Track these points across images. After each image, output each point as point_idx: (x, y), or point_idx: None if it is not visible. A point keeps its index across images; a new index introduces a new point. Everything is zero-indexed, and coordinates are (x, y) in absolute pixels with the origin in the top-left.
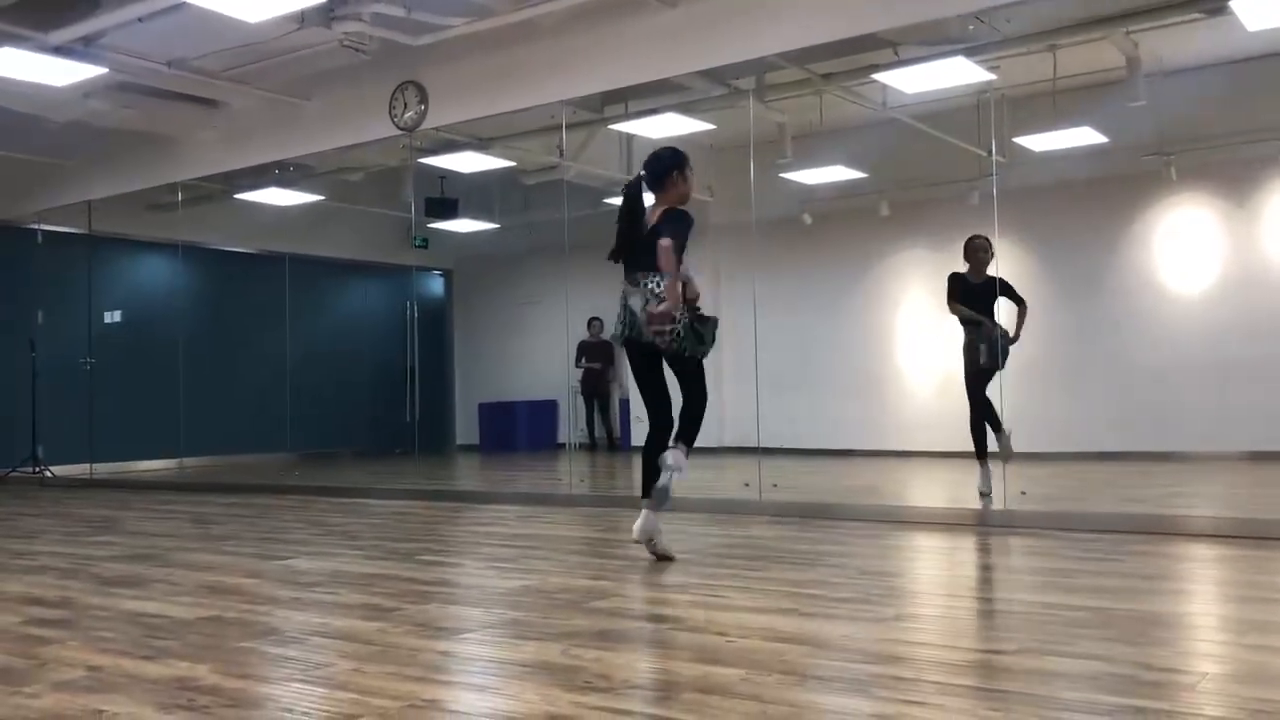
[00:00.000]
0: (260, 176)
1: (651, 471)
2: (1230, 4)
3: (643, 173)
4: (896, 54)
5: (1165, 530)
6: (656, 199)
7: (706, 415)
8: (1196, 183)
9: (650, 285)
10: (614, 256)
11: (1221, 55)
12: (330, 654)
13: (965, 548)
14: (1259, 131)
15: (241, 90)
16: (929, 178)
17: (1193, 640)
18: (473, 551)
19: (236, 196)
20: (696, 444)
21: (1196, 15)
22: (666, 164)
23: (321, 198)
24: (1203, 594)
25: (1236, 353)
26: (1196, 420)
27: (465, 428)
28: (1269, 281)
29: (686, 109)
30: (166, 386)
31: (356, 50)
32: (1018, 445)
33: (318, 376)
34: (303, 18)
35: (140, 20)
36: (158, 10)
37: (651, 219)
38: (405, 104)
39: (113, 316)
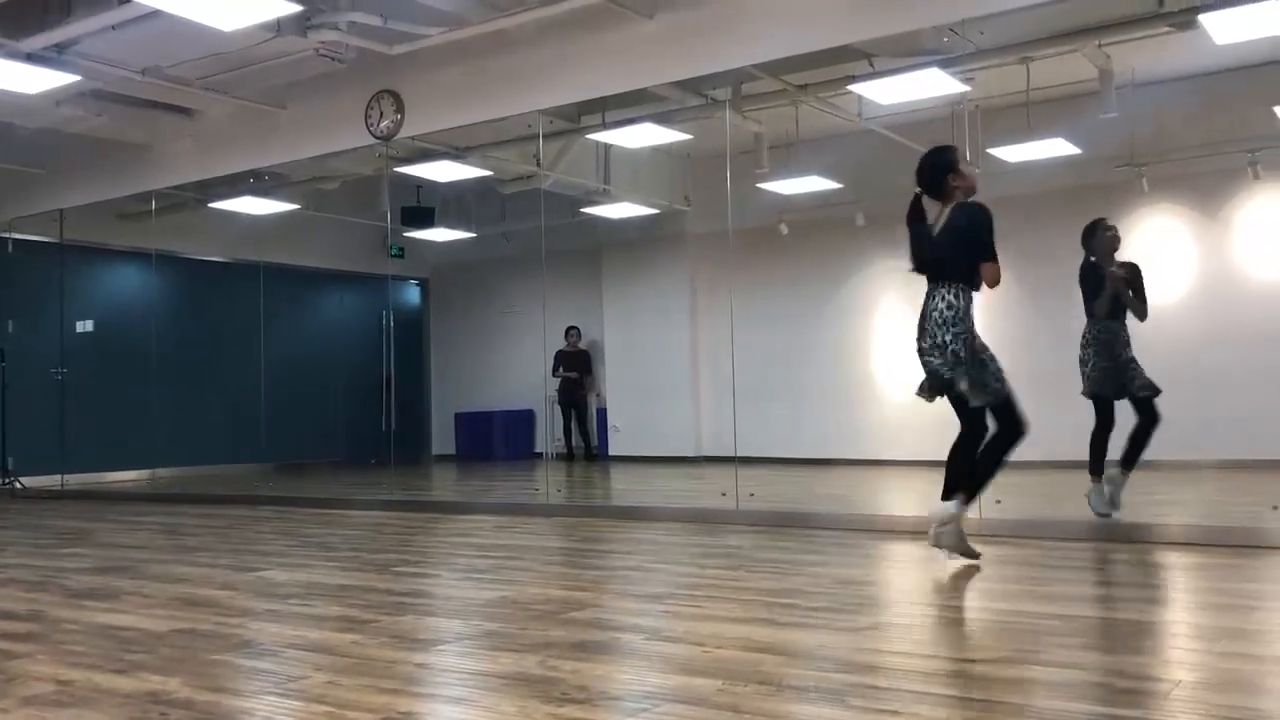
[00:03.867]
0: (235, 185)
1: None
2: (1199, 18)
3: (918, 189)
4: (872, 65)
5: (1140, 539)
6: (944, 207)
7: (687, 424)
8: (1168, 194)
9: (940, 301)
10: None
11: (1191, 68)
12: (305, 667)
13: (940, 556)
14: (1229, 143)
15: (216, 98)
16: (904, 188)
17: (1167, 648)
18: (449, 562)
19: (211, 205)
20: (675, 452)
21: (1166, 29)
22: (939, 168)
23: (297, 206)
24: (1177, 602)
25: (1209, 362)
26: (1170, 429)
27: (441, 437)
28: (1239, 291)
29: (663, 119)
30: (139, 397)
31: (332, 59)
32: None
33: (293, 386)
34: (278, 26)
35: (114, 28)
36: (131, 18)
37: (943, 229)
38: (381, 113)
39: (85, 326)
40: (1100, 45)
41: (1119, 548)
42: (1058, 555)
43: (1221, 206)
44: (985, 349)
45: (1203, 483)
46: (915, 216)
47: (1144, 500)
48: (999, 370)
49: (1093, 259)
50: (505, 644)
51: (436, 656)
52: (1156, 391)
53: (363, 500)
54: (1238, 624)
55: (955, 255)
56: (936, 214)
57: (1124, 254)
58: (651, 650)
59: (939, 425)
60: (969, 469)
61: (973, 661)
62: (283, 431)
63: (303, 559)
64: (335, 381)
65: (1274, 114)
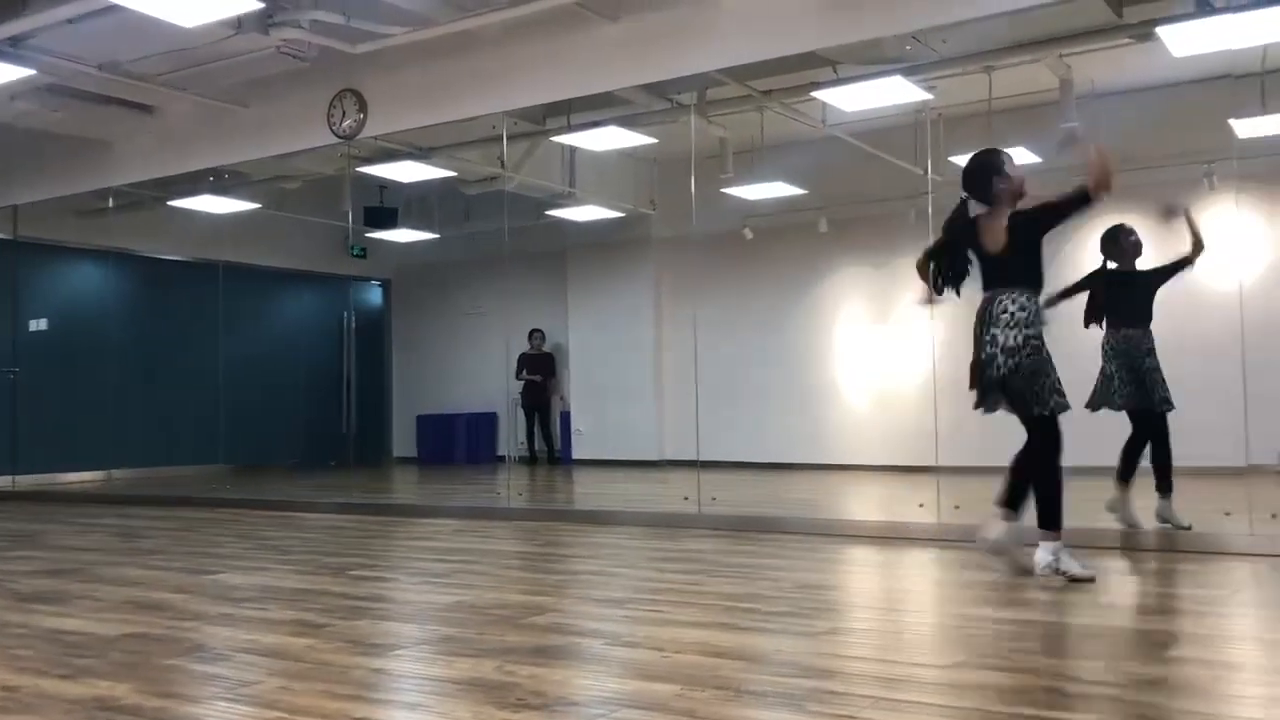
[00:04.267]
0: (195, 183)
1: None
2: (1157, 30)
3: (964, 194)
4: (836, 72)
5: (1097, 544)
6: (993, 211)
7: (651, 428)
8: (1128, 203)
9: (1011, 304)
10: (938, 289)
11: (1150, 80)
12: (258, 671)
13: (901, 562)
14: (1186, 154)
15: (176, 95)
16: (867, 195)
17: (1120, 653)
18: (407, 566)
19: (170, 203)
20: (639, 456)
21: (1126, 40)
22: (986, 170)
23: (258, 206)
24: (1130, 607)
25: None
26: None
27: (402, 440)
28: (1194, 301)
29: (629, 122)
30: (94, 397)
31: (295, 57)
32: (953, 459)
33: (252, 387)
34: (240, 23)
35: (70, 21)
36: (89, 12)
37: (998, 234)
38: (344, 112)
39: (38, 324)
40: (1061, 55)
41: (1077, 553)
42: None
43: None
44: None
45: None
46: (960, 221)
47: (1095, 505)
48: (1058, 381)
49: (1111, 265)
50: (462, 649)
51: (392, 662)
52: (1171, 406)
53: (321, 503)
54: (1192, 629)
55: (1019, 261)
56: (983, 216)
57: (1080, 263)
58: (610, 655)
59: (901, 430)
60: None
61: (930, 666)
62: (241, 433)
63: (259, 562)
64: (295, 383)
65: (1229, 126)
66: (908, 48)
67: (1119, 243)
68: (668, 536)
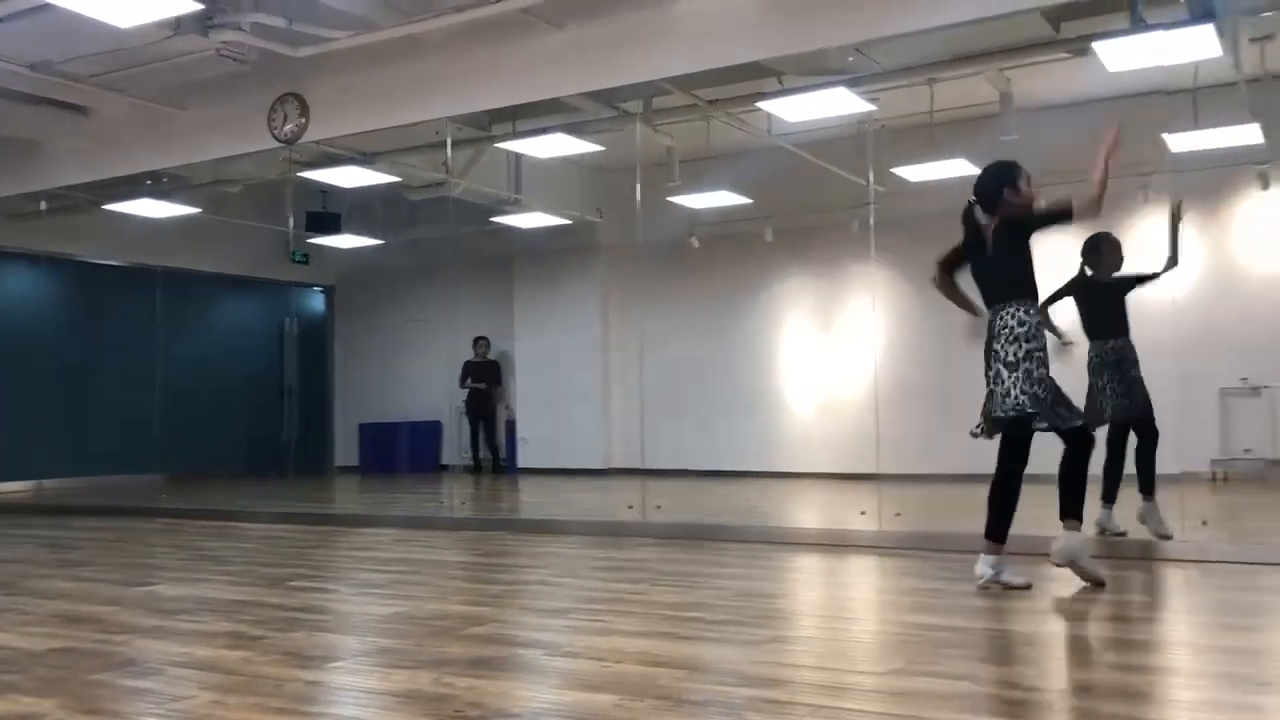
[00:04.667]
0: (132, 187)
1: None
2: (1093, 46)
3: (973, 198)
4: (780, 83)
5: (1035, 550)
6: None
7: (597, 436)
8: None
9: (1011, 319)
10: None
11: (1087, 94)
12: (190, 685)
13: (842, 569)
14: (1123, 167)
15: (112, 97)
16: (812, 205)
17: (1057, 659)
18: (346, 577)
19: (105, 207)
20: (584, 465)
21: (1063, 55)
22: (998, 178)
23: (197, 210)
24: (1069, 613)
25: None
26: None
27: (345, 449)
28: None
29: (575, 130)
30: (25, 404)
31: (235, 60)
32: (894, 466)
33: (190, 395)
34: (178, 25)
35: (0, 20)
36: (20, 10)
37: (989, 242)
38: (285, 116)
39: None
40: (1001, 69)
41: (1016, 560)
42: (956, 568)
43: (1113, 228)
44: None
45: (1094, 495)
46: (966, 227)
47: (1038, 513)
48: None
49: (1090, 273)
50: (400, 661)
51: (328, 674)
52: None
53: (260, 512)
54: (1125, 634)
55: (1011, 271)
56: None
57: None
58: (550, 666)
59: (844, 438)
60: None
61: (870, 674)
62: (179, 441)
63: (194, 573)
64: (235, 390)
65: (1163, 141)
66: (851, 60)
67: (1100, 251)
68: (612, 545)
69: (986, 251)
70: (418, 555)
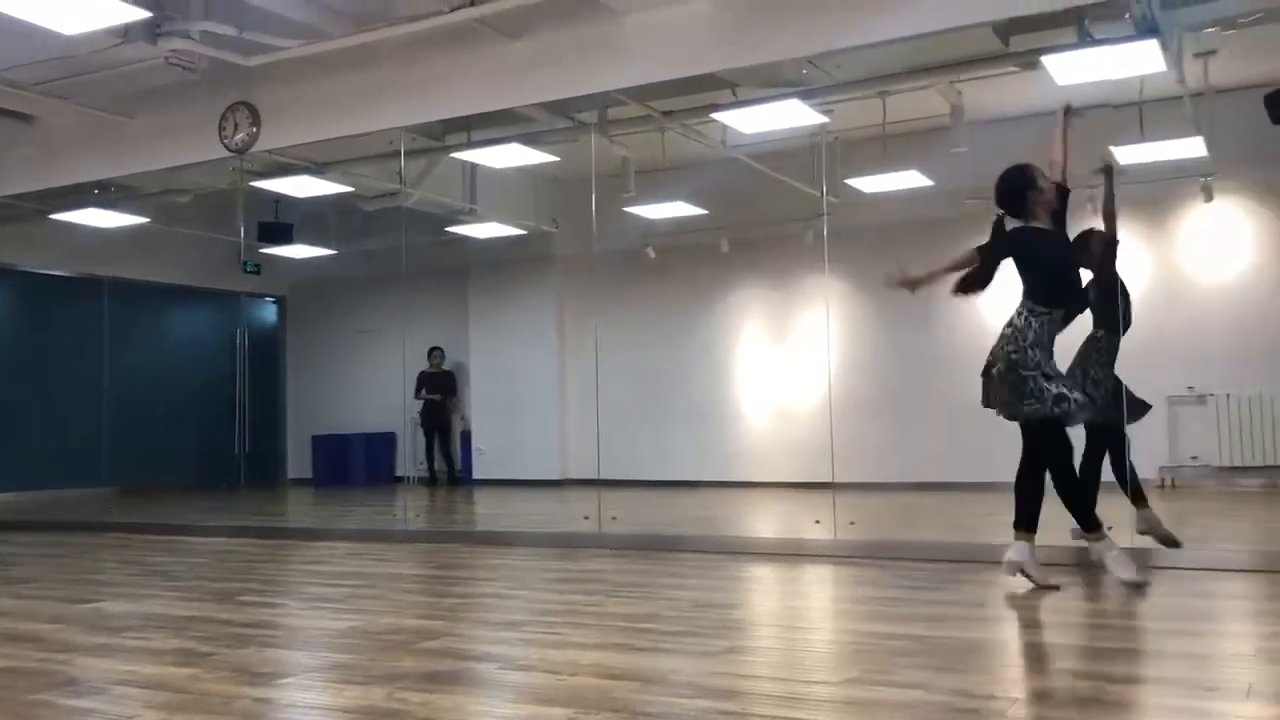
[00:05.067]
0: (79, 196)
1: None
2: (1042, 59)
3: (999, 211)
4: (735, 94)
5: (987, 559)
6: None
7: (553, 447)
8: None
9: (1013, 317)
10: (961, 288)
11: (1036, 106)
12: (135, 705)
13: (798, 578)
14: (1071, 179)
15: (58, 105)
16: (767, 216)
17: (1009, 666)
18: (298, 591)
19: (52, 216)
20: (540, 476)
21: (1013, 69)
22: (1014, 186)
23: (147, 220)
24: (1020, 621)
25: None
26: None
27: (298, 461)
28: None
29: (530, 140)
30: None
31: (184, 68)
32: (848, 475)
33: (140, 407)
34: (126, 32)
35: None
36: None
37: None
38: (236, 125)
39: None
40: (952, 82)
41: (966, 568)
42: (911, 576)
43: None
44: (1038, 367)
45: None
46: (997, 239)
47: (989, 521)
48: (1049, 389)
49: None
50: (352, 676)
51: (278, 691)
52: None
53: (211, 527)
54: (1077, 641)
55: (1023, 275)
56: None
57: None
58: (504, 680)
59: (799, 447)
60: (1081, 488)
61: (825, 684)
62: (128, 454)
63: (142, 589)
64: (186, 402)
65: (1110, 153)
66: (804, 72)
67: (1089, 249)
68: (568, 557)
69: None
70: (371, 569)
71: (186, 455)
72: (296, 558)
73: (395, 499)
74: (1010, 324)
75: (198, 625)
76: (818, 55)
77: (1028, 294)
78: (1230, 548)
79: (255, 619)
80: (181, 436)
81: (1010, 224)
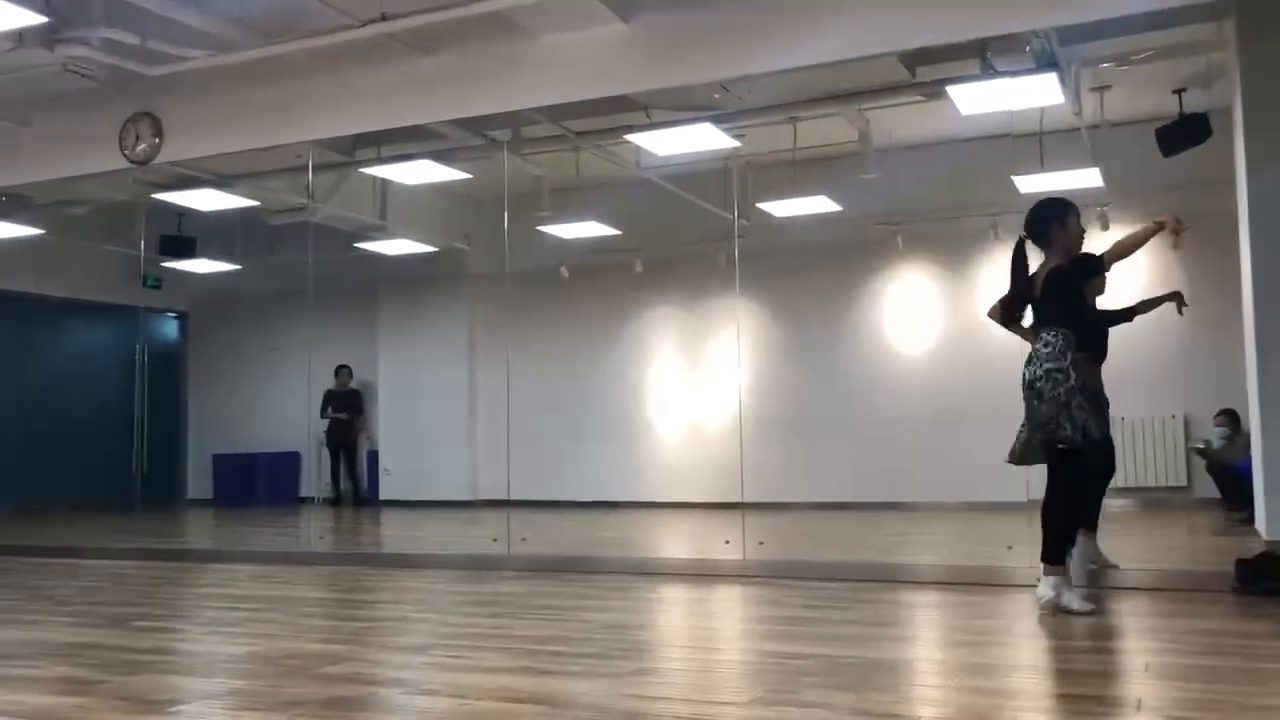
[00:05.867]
0: None
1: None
2: (947, 89)
3: (1023, 233)
4: (649, 116)
5: (891, 578)
6: (1045, 255)
7: (463, 468)
8: (920, 251)
9: (1041, 345)
10: (998, 315)
11: (941, 135)
12: None
13: (707, 599)
14: (974, 206)
15: None
16: (680, 237)
17: (911, 684)
18: (196, 615)
19: None
20: (450, 497)
21: (918, 98)
22: (1043, 213)
23: (40, 231)
24: (923, 639)
25: (956, 407)
26: (923, 472)
27: (198, 481)
28: (982, 341)
29: (442, 157)
30: None
31: (84, 76)
32: (758, 495)
33: (31, 424)
34: (20, 37)
35: None
36: None
37: (1039, 281)
38: (138, 136)
39: None
40: (860, 110)
41: (872, 587)
42: (816, 595)
43: (966, 263)
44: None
45: (950, 523)
46: (1018, 262)
47: (896, 541)
48: (1085, 420)
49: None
50: (251, 703)
51: (172, 719)
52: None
53: (104, 549)
54: (977, 659)
55: (1050, 303)
56: (1040, 267)
57: (882, 309)
58: (409, 705)
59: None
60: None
61: (730, 704)
62: (17, 474)
63: (28, 614)
64: (80, 420)
65: (1011, 182)
66: (716, 96)
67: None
68: (476, 579)
69: (1028, 284)
70: (273, 592)
71: (81, 475)
72: (195, 580)
73: (299, 520)
74: (1047, 344)
75: (88, 652)
76: (730, 80)
77: (1060, 319)
78: (1133, 568)
79: (150, 645)
80: (75, 455)
81: (1031, 249)
